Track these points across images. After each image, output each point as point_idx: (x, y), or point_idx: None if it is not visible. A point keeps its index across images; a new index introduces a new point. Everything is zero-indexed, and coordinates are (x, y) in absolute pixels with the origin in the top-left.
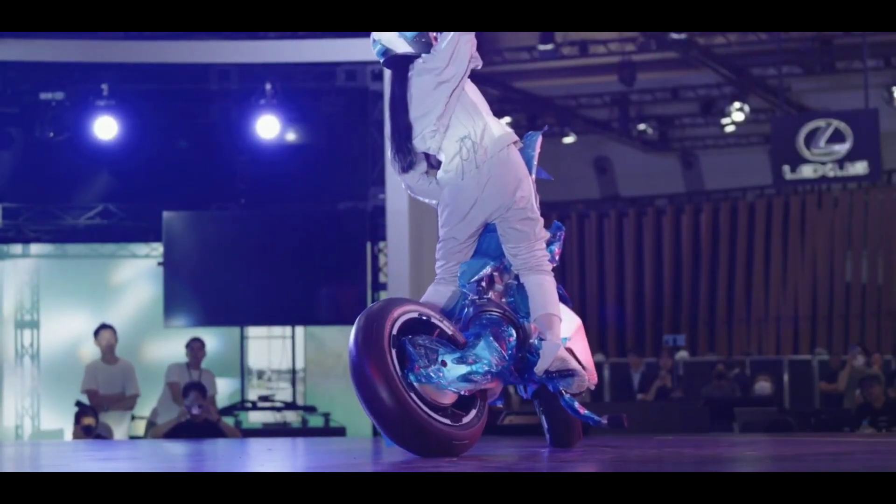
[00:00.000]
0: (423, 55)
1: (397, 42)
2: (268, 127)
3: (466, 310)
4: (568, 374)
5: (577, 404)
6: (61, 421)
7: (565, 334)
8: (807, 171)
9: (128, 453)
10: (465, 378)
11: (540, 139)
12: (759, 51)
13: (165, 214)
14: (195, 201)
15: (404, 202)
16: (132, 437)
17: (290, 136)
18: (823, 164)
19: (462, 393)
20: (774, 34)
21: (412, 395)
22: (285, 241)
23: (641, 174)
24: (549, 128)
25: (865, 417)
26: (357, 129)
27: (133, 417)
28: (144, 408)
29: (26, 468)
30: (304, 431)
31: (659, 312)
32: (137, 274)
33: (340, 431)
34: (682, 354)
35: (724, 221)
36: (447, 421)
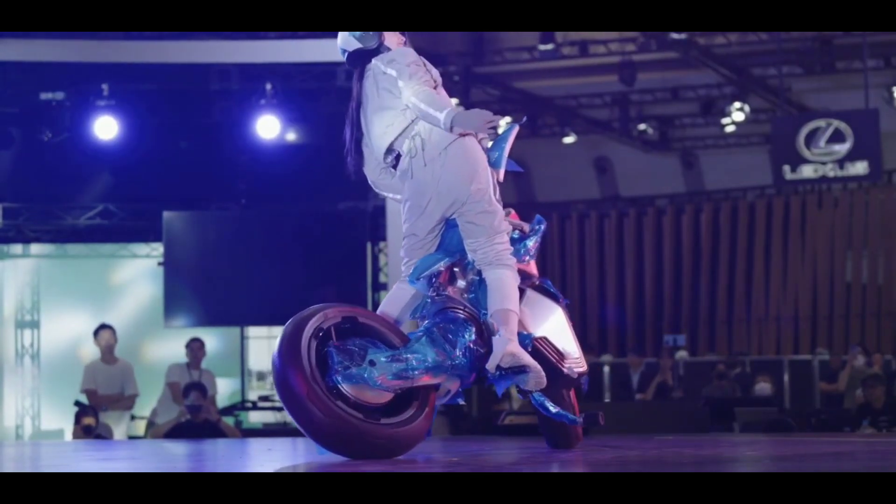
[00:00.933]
0: (379, 55)
1: (350, 41)
2: (268, 127)
3: (427, 307)
4: (521, 370)
5: (548, 403)
6: (62, 421)
7: (536, 328)
8: (807, 171)
9: (128, 453)
10: (396, 375)
11: (514, 131)
12: (760, 51)
13: (166, 214)
14: (195, 201)
15: None
16: (132, 437)
17: (291, 136)
18: (824, 164)
19: (395, 391)
20: (775, 34)
21: (334, 397)
22: (286, 241)
23: (642, 174)
24: (547, 127)
25: (866, 417)
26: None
27: (133, 417)
28: (144, 408)
29: (27, 468)
30: None
31: (659, 312)
32: (137, 274)
33: None
34: (682, 354)
35: (725, 221)
36: (377, 421)
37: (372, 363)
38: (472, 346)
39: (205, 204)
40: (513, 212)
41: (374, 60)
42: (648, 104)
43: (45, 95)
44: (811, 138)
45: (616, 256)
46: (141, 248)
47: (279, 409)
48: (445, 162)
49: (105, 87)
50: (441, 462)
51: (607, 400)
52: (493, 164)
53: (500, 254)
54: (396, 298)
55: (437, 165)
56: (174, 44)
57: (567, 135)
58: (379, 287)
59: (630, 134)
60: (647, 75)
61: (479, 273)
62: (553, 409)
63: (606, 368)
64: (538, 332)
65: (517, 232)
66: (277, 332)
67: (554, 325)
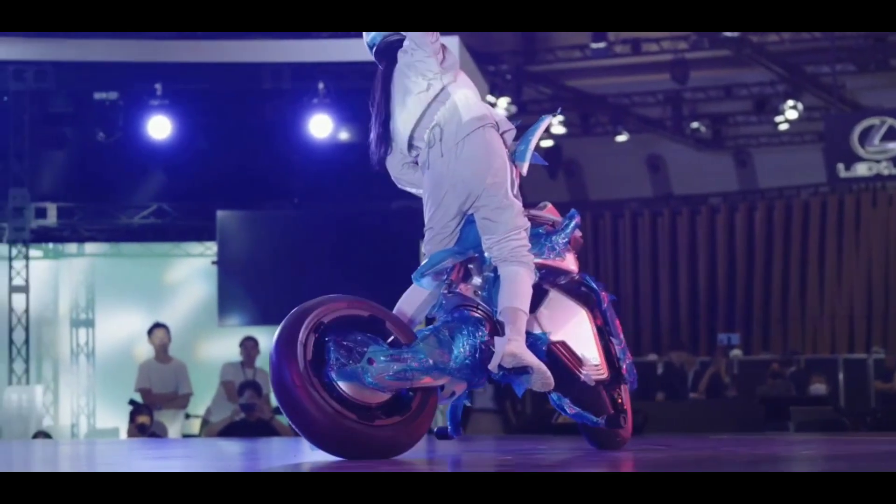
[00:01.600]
0: (404, 44)
1: (376, 35)
2: (321, 126)
3: (441, 306)
4: (524, 371)
5: (566, 404)
6: (116, 419)
7: (556, 331)
8: (861, 169)
9: (182, 452)
10: (394, 376)
11: (544, 124)
12: (813, 48)
13: (219, 213)
14: (249, 200)
15: None
16: (186, 436)
17: (343, 135)
18: (878, 161)
19: (392, 391)
20: (828, 32)
21: (329, 394)
22: (338, 239)
23: (695, 173)
24: (600, 126)
25: None
26: None
27: (187, 416)
28: (199, 406)
29: (83, 468)
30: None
31: (713, 311)
32: (191, 273)
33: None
34: (737, 353)
35: (779, 220)
36: (371, 421)
37: (371, 361)
38: (482, 346)
39: (258, 203)
40: (549, 205)
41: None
42: (701, 102)
43: (98, 95)
44: (865, 136)
45: (669, 255)
46: (195, 247)
47: None
48: (462, 153)
49: (158, 86)
50: (494, 462)
51: (660, 398)
52: (518, 158)
53: (516, 250)
54: (412, 297)
55: (452, 156)
56: (227, 43)
57: (620, 133)
58: None
59: (683, 132)
60: (700, 73)
61: (495, 270)
62: (571, 410)
63: (660, 366)
64: (557, 336)
65: (544, 227)
66: None
67: (575, 330)
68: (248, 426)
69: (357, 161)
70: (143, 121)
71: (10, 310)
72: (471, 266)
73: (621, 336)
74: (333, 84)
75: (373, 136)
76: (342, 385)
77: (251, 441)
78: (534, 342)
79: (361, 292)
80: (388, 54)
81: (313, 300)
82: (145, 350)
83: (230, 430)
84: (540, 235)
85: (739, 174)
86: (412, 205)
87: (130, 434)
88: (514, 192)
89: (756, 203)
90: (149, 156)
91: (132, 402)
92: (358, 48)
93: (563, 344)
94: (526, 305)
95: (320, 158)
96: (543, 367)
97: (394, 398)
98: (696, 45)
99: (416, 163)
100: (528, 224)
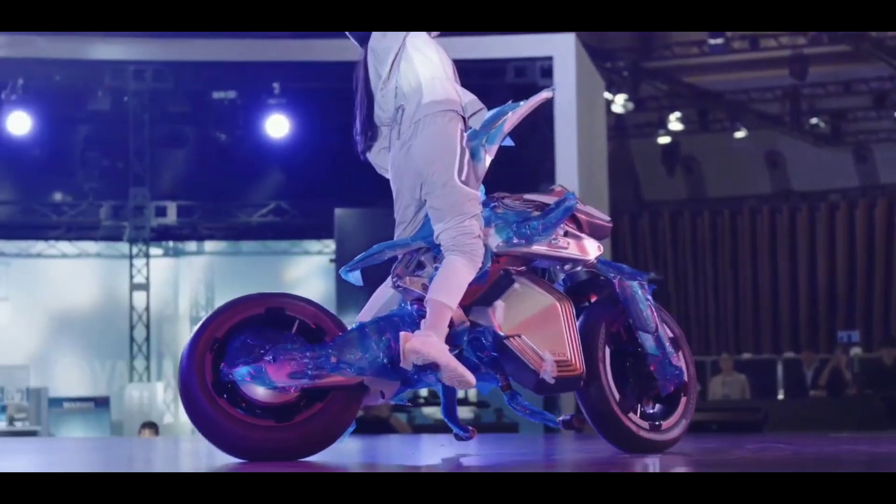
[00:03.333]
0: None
1: None
2: None
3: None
4: (433, 366)
5: (526, 403)
6: None
7: (511, 324)
8: None
9: None
10: (293, 375)
11: (528, 105)
12: None
13: (337, 211)
14: (367, 198)
15: None
16: None
17: None
18: None
19: (295, 390)
20: None
21: (224, 394)
22: None
23: (814, 169)
24: (717, 122)
25: None
26: (526, 124)
27: None
28: None
29: (202, 467)
30: (476, 428)
31: (833, 308)
32: (310, 271)
33: (513, 428)
34: (857, 351)
35: None
36: (268, 422)
37: (272, 360)
38: (394, 344)
39: (376, 201)
40: (557, 188)
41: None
42: (820, 98)
43: (217, 94)
44: None
45: (788, 252)
46: (313, 244)
47: None
48: (414, 137)
49: (276, 85)
50: (626, 458)
51: (781, 396)
52: (489, 140)
53: (457, 238)
54: (375, 300)
55: (407, 140)
56: (344, 42)
57: (738, 129)
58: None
59: (802, 128)
60: (819, 69)
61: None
62: (523, 409)
63: (780, 365)
64: (513, 329)
65: (522, 213)
66: None
67: (538, 323)
68: (366, 423)
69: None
70: (261, 119)
71: (132, 307)
72: (423, 258)
73: (658, 328)
74: None
75: (357, 126)
76: (242, 386)
77: (369, 438)
78: (478, 336)
79: None
80: (367, 40)
81: (232, 300)
82: None
83: None
84: (512, 222)
85: (859, 170)
86: None
87: None
88: (463, 178)
89: (876, 199)
90: (267, 154)
91: None
92: (475, 46)
93: (520, 338)
94: (451, 298)
95: None
96: (453, 363)
97: (305, 398)
98: (814, 41)
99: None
100: (478, 211)
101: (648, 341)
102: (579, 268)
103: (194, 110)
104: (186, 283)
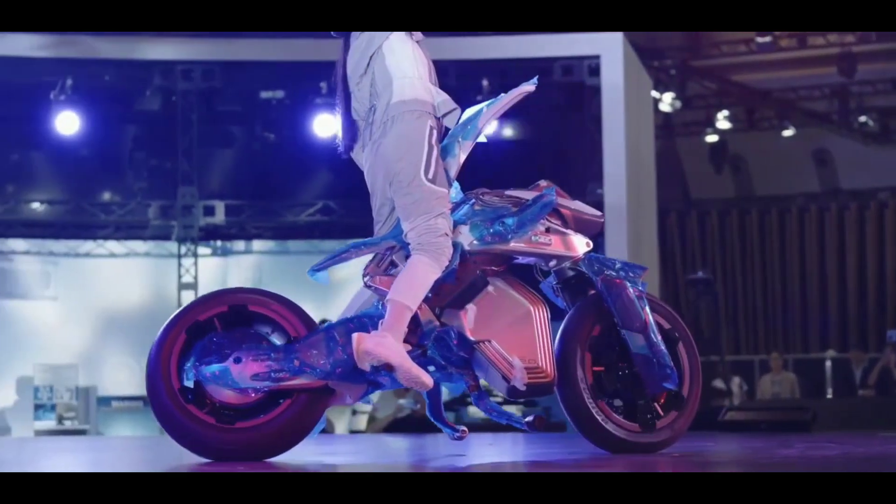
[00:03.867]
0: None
1: None
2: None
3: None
4: (387, 367)
5: (492, 404)
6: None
7: (482, 329)
8: None
9: (349, 448)
10: (257, 377)
11: (507, 97)
12: None
13: None
14: None
15: (623, 197)
16: (352, 432)
17: (508, 132)
18: None
19: (252, 394)
20: None
21: (187, 395)
22: None
23: (862, 167)
24: (766, 120)
25: None
26: (574, 123)
27: (354, 412)
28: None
29: (255, 467)
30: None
31: (882, 307)
32: (359, 270)
33: (560, 427)
34: None
35: None
36: (231, 424)
37: (237, 361)
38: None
39: None
40: (541, 184)
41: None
42: (869, 95)
43: (265, 94)
44: None
45: (837, 250)
46: None
47: (499, 404)
48: (384, 136)
49: (323, 84)
50: (673, 458)
51: (829, 396)
52: (464, 136)
53: (423, 236)
54: (355, 299)
55: (378, 138)
56: None
57: (786, 128)
58: None
59: (850, 126)
60: (868, 66)
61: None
62: (491, 410)
63: (829, 364)
64: (483, 334)
65: (511, 207)
66: None
67: (511, 328)
68: (413, 422)
69: (521, 157)
70: (308, 119)
71: (180, 307)
72: (395, 257)
73: (646, 326)
74: (497, 81)
75: (339, 125)
76: (211, 388)
77: (417, 437)
78: (443, 336)
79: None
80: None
81: (198, 297)
82: None
83: (395, 426)
84: (487, 220)
85: None
86: (589, 201)
87: None
88: (430, 176)
89: None
90: (315, 153)
91: None
92: (522, 45)
93: (490, 343)
94: (412, 298)
95: (484, 156)
96: (407, 364)
97: (268, 399)
98: (863, 39)
99: None
100: (445, 210)
101: (635, 340)
102: (566, 264)
103: (242, 110)
104: (234, 283)
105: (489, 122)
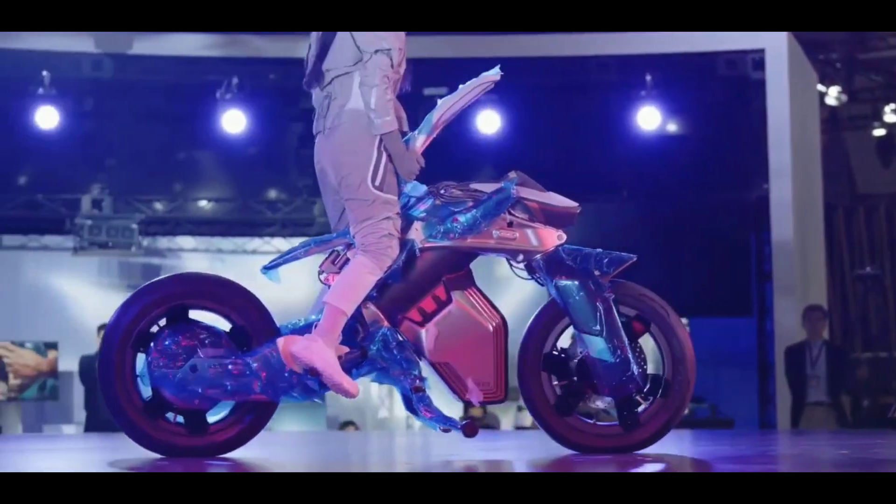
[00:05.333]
0: None
1: None
2: (648, 118)
3: None
4: (314, 372)
5: (422, 408)
6: (453, 410)
7: (441, 352)
8: None
9: (516, 443)
10: (213, 385)
11: (466, 87)
12: None
13: None
14: (578, 194)
15: (788, 193)
16: (518, 428)
17: (672, 128)
18: None
19: (203, 404)
20: None
21: (136, 396)
22: (667, 234)
23: None
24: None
25: None
26: (738, 118)
27: (520, 408)
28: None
29: (417, 466)
30: (689, 423)
31: None
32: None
33: (728, 423)
34: None
35: None
36: (182, 427)
37: (192, 369)
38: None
39: (588, 196)
40: (512, 174)
41: None
42: None
43: (429, 91)
44: None
45: None
46: None
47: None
48: (331, 136)
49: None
50: (831, 458)
51: None
52: (420, 130)
53: (366, 238)
54: (318, 298)
55: (327, 135)
56: (554, 37)
57: None
58: (764, 278)
59: None
60: None
61: None
62: (426, 413)
63: None
64: (442, 357)
65: (470, 202)
66: None
67: (468, 349)
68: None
69: (685, 153)
70: (472, 116)
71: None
72: (349, 254)
73: (603, 329)
74: (661, 76)
75: (309, 65)
76: (163, 390)
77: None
78: (385, 338)
79: (689, 288)
80: None
81: (158, 279)
82: None
83: None
84: (442, 216)
85: None
86: (742, 195)
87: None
88: (377, 183)
89: None
90: (478, 150)
91: None
92: (685, 40)
93: (448, 366)
94: (348, 303)
95: (648, 151)
96: (330, 370)
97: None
98: None
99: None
100: (391, 214)
101: (593, 344)
102: (537, 257)
103: (406, 106)
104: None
105: (447, 114)
